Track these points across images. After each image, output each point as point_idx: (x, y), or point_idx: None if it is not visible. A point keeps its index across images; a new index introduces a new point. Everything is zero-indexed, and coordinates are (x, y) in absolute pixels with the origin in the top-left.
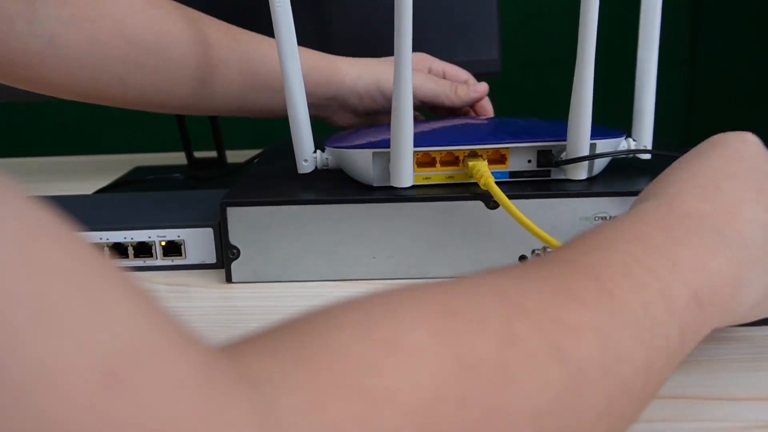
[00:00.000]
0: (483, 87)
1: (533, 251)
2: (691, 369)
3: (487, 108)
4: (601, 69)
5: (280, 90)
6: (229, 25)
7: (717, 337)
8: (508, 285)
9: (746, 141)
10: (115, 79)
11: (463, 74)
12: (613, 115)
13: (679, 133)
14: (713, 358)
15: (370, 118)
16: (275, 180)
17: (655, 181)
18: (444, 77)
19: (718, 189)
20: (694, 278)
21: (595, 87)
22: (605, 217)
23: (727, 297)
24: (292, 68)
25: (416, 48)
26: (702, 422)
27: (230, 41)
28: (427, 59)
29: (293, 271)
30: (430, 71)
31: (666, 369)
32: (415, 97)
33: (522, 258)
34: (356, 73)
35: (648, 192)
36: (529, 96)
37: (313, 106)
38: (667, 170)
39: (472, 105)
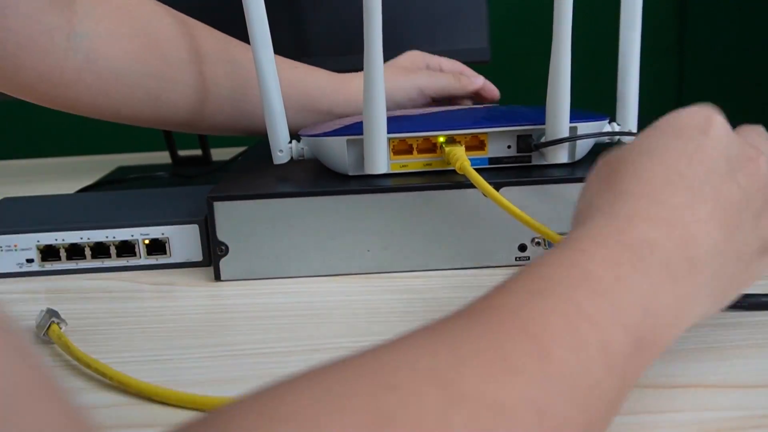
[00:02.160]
0: (479, 78)
1: (533, 239)
2: (685, 357)
3: (494, 90)
4: (590, 62)
5: (319, 111)
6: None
7: (708, 323)
8: (444, 359)
9: (709, 132)
10: (150, 96)
11: (458, 66)
12: (604, 110)
13: None
14: (702, 347)
15: None
16: (262, 174)
17: (605, 171)
18: (441, 71)
19: (673, 207)
20: (636, 321)
21: (585, 81)
22: None
23: (670, 334)
24: (264, 57)
25: (405, 37)
26: (699, 412)
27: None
28: (420, 56)
29: (285, 267)
30: (428, 68)
31: (605, 423)
32: (425, 96)
33: (522, 248)
34: (395, 85)
35: (594, 196)
36: (518, 85)
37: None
38: (620, 157)
39: (478, 93)
